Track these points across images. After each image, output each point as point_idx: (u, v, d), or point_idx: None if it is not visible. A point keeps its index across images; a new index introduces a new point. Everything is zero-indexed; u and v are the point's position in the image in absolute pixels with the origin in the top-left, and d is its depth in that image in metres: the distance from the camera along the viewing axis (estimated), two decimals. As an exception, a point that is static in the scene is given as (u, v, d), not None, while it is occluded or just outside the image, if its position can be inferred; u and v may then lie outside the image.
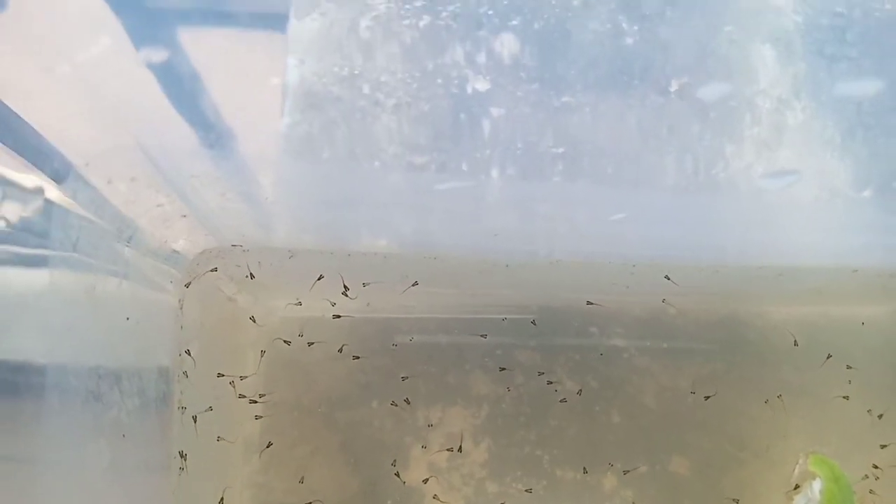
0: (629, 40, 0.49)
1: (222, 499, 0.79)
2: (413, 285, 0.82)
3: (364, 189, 0.63)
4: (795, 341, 0.85)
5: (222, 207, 0.67)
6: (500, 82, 0.51)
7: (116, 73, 0.49)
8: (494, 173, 0.58)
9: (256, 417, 0.83)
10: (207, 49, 0.49)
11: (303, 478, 0.83)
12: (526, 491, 0.84)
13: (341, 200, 0.67)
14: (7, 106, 0.47)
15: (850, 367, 0.84)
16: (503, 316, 0.86)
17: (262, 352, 0.84)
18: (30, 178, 0.50)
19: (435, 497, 0.83)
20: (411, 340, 0.85)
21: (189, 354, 0.75)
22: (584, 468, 0.84)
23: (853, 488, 0.79)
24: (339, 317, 0.84)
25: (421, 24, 0.48)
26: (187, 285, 0.76)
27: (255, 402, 0.83)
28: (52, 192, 0.53)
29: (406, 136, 0.55)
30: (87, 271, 0.59)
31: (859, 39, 0.49)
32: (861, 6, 0.47)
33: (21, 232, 0.50)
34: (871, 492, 0.83)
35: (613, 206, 0.65)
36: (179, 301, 0.75)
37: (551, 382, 0.85)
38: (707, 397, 0.84)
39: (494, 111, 0.53)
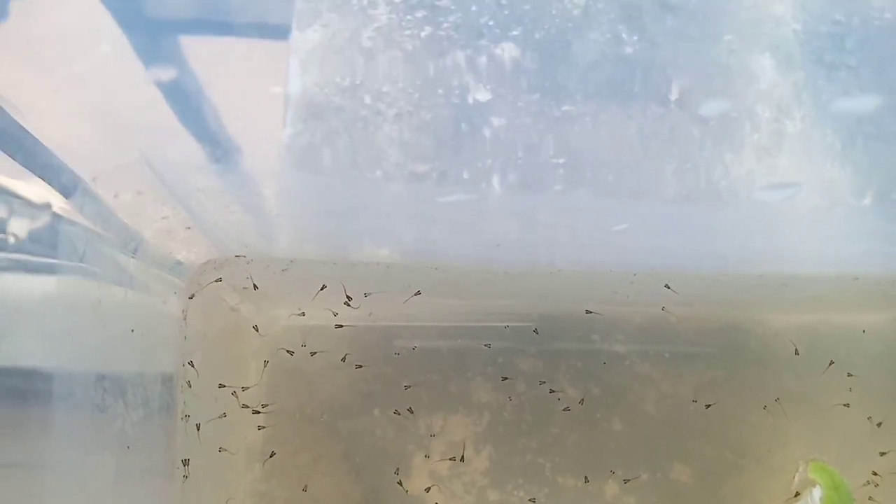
0: (629, 50, 0.49)
1: (225, 508, 0.79)
2: (416, 294, 0.82)
3: (366, 199, 0.63)
4: (796, 349, 0.85)
5: (226, 219, 0.67)
6: (501, 92, 0.51)
7: (122, 89, 0.49)
8: (496, 183, 0.58)
9: (259, 427, 0.83)
10: (210, 60, 0.49)
11: (306, 486, 0.83)
12: (529, 501, 0.84)
13: (343, 210, 0.67)
14: (17, 122, 0.47)
15: (851, 375, 0.84)
16: (505, 324, 0.86)
17: (266, 361, 0.84)
18: (39, 193, 0.51)
19: (437, 505, 0.83)
20: (414, 349, 0.85)
21: (192, 365, 0.75)
22: (586, 476, 0.84)
23: (853, 496, 0.79)
24: (341, 326, 0.84)
25: (422, 34, 0.48)
26: (191, 296, 0.76)
27: (258, 412, 0.83)
28: (61, 206, 0.53)
29: (408, 145, 0.55)
30: (93, 283, 0.59)
31: (858, 47, 0.49)
32: (860, 14, 0.48)
33: (30, 244, 0.51)
34: (870, 499, 0.83)
35: (614, 216, 0.66)
36: (183, 311, 0.75)
37: (553, 391, 0.85)
38: (708, 405, 0.85)
39: (495, 121, 0.53)
